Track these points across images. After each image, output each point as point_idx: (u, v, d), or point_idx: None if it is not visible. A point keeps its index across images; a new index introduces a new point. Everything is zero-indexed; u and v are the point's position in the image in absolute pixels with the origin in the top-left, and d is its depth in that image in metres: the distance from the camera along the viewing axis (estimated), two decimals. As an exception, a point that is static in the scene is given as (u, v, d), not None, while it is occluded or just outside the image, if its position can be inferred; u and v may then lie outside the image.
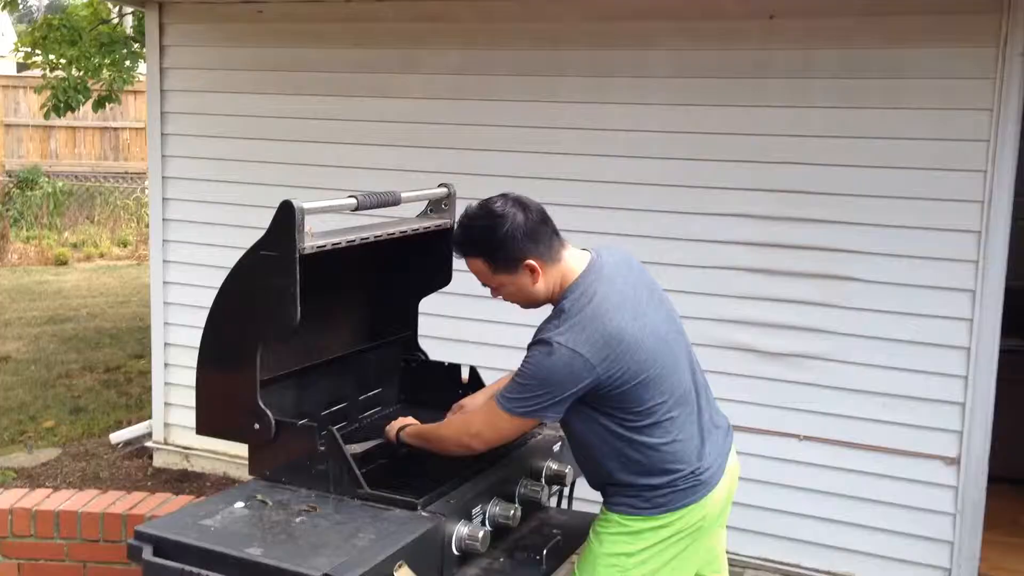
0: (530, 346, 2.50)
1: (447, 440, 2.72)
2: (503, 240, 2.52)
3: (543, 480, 2.97)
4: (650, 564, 2.61)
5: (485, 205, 2.58)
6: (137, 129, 15.66)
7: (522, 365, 2.50)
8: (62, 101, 7.83)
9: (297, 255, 2.48)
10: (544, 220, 2.59)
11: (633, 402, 2.49)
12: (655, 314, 2.60)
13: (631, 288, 2.58)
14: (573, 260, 2.60)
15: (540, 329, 2.52)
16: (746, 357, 4.22)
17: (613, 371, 2.44)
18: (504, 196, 2.59)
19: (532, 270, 2.54)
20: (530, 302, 2.64)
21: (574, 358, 2.42)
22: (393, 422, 2.92)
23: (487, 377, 3.32)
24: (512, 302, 2.68)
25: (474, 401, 2.99)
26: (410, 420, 2.90)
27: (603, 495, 2.71)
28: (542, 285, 2.57)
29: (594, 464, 2.65)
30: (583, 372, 2.42)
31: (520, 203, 2.56)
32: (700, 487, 2.62)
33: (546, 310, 2.62)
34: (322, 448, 2.59)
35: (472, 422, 2.68)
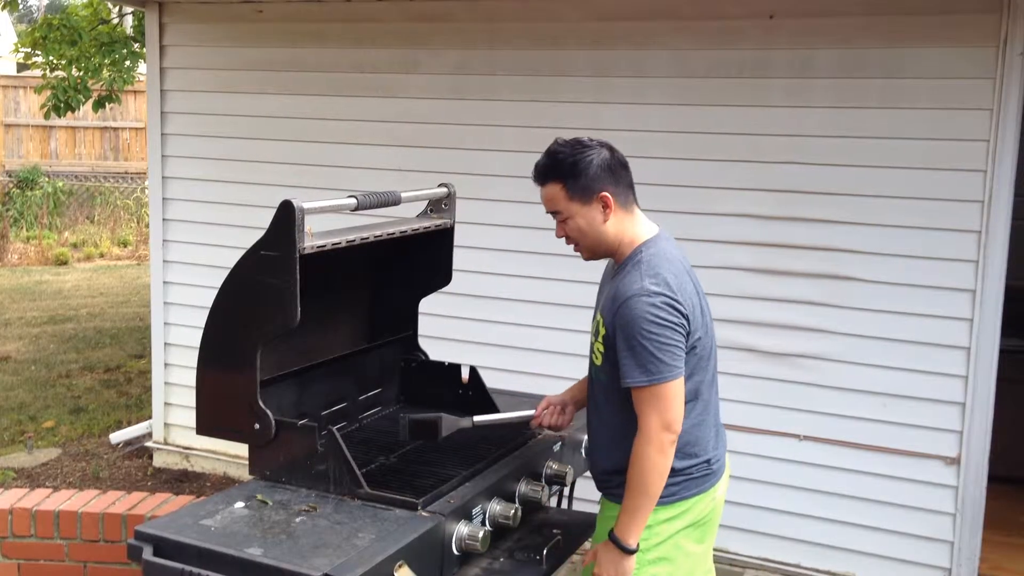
0: (624, 302, 2.47)
1: (652, 471, 2.47)
2: (585, 167, 2.55)
3: (543, 480, 2.97)
4: (668, 560, 2.61)
5: (575, 138, 2.63)
6: (137, 129, 15.66)
7: (633, 327, 2.44)
8: (62, 101, 7.83)
9: (297, 255, 2.48)
10: (626, 168, 2.65)
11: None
12: (703, 296, 2.67)
13: (689, 265, 2.68)
14: (644, 222, 2.66)
15: (624, 285, 2.51)
16: (746, 357, 4.22)
17: (689, 324, 2.50)
18: (595, 139, 2.65)
19: (605, 204, 2.57)
20: (595, 244, 2.62)
21: (671, 302, 2.46)
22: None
23: (487, 377, 3.32)
24: (577, 242, 2.65)
25: (555, 397, 2.96)
26: (620, 525, 2.54)
27: (608, 487, 2.69)
28: (611, 227, 2.59)
29: (617, 442, 2.59)
30: (683, 313, 2.47)
31: (609, 145, 2.64)
32: (710, 476, 2.67)
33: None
34: (322, 448, 2.59)
35: (646, 426, 2.47)
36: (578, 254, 2.71)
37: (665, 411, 2.46)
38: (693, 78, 4.22)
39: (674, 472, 2.55)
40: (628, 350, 2.46)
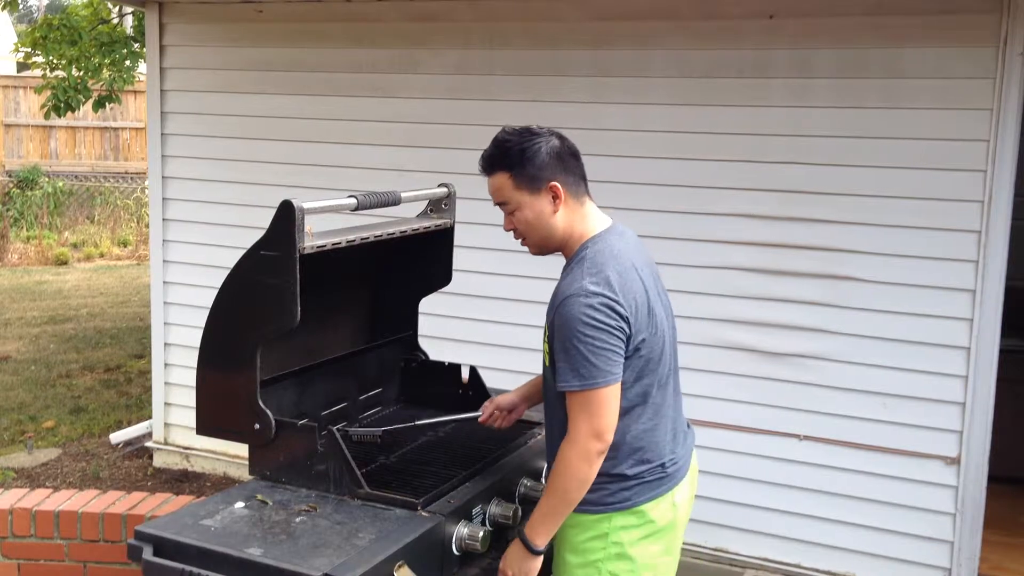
0: (562, 303, 2.38)
1: (572, 478, 2.39)
2: (532, 155, 2.47)
3: (543, 480, 2.97)
4: (630, 572, 2.52)
5: (524, 126, 2.56)
6: (137, 129, 15.68)
7: (568, 329, 2.35)
8: (62, 101, 7.83)
9: (297, 255, 2.48)
10: (577, 157, 2.56)
11: (627, 370, 2.42)
12: (662, 293, 2.60)
13: (645, 260, 2.58)
14: (595, 215, 2.57)
15: (565, 284, 2.43)
16: (746, 357, 4.22)
17: (630, 327, 2.39)
18: (544, 127, 2.58)
19: (555, 195, 2.49)
20: (544, 238, 2.53)
21: (610, 303, 2.35)
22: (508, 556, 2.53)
23: (487, 377, 3.32)
24: (525, 236, 2.56)
25: (505, 398, 2.96)
26: (530, 524, 2.48)
27: None
28: (561, 219, 2.50)
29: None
30: (622, 316, 2.37)
31: (559, 134, 2.56)
32: (666, 480, 2.56)
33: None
34: (322, 448, 2.59)
35: (575, 431, 2.38)
36: (527, 248, 2.60)
37: (595, 417, 2.35)
38: (693, 78, 4.22)
39: (626, 478, 2.49)
40: (563, 352, 2.37)
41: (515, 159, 2.49)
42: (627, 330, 2.38)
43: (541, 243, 2.56)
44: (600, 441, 2.37)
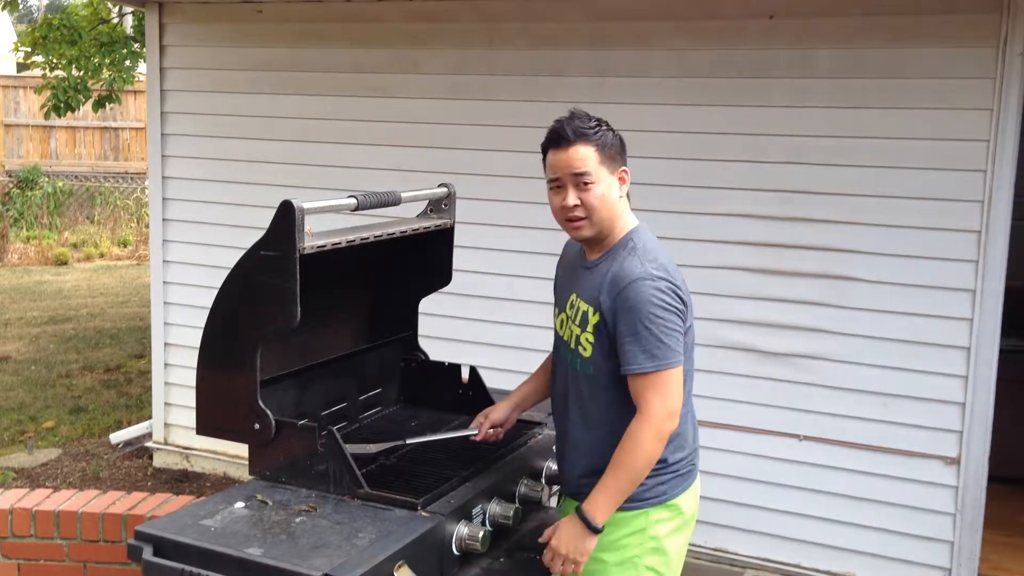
0: (628, 287, 2.41)
1: (645, 456, 2.40)
2: (614, 138, 2.53)
3: (543, 480, 2.97)
4: (665, 565, 2.57)
5: (587, 112, 2.57)
6: (137, 129, 15.67)
7: (638, 312, 2.38)
8: (62, 101, 7.83)
9: (297, 255, 2.47)
10: None
11: None
12: None
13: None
14: (630, 213, 2.62)
15: (623, 270, 2.45)
16: (746, 357, 4.22)
17: (688, 309, 2.49)
18: None
19: (622, 180, 2.55)
20: (607, 219, 2.51)
21: (674, 287, 2.45)
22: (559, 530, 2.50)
23: (487, 377, 3.32)
24: (590, 213, 2.49)
25: (497, 412, 2.90)
26: (592, 501, 2.45)
27: (589, 491, 2.51)
28: (619, 205, 2.53)
29: (608, 441, 2.47)
30: (683, 299, 2.46)
31: None
32: (693, 471, 2.63)
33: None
34: (322, 448, 2.59)
35: (650, 410, 2.39)
36: (578, 228, 2.52)
37: (669, 397, 2.40)
38: (693, 78, 4.22)
39: (666, 467, 2.51)
40: (632, 335, 2.40)
41: (603, 136, 2.51)
42: (685, 314, 2.47)
43: (602, 223, 2.53)
44: (672, 420, 2.41)
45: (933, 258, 3.90)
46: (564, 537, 2.46)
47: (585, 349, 2.53)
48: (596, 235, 2.54)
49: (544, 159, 2.58)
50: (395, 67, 4.80)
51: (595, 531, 2.43)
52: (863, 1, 3.94)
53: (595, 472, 2.49)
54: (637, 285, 2.41)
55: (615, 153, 2.53)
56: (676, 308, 2.43)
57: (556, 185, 2.54)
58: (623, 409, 2.46)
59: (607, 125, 2.54)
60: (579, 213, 2.50)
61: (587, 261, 2.60)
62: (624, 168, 2.56)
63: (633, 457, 2.39)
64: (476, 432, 2.91)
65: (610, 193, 2.51)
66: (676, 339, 2.41)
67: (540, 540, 2.54)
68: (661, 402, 2.39)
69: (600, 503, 2.42)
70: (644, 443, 2.38)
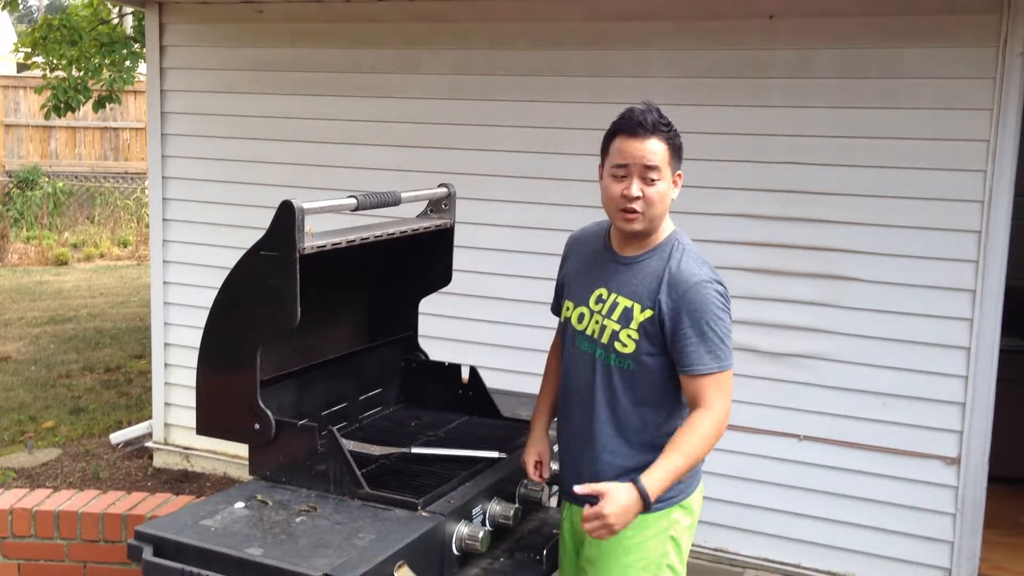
0: (693, 287, 2.45)
1: (707, 446, 2.46)
2: (681, 141, 2.57)
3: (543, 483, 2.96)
4: (682, 564, 2.61)
5: None
6: (137, 129, 15.66)
7: (704, 313, 2.44)
8: (62, 101, 7.83)
9: (297, 255, 2.48)
10: None
11: None
12: None
13: None
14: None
15: (686, 271, 2.49)
16: (746, 357, 4.21)
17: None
18: None
19: (675, 183, 2.58)
20: (660, 215, 2.53)
21: (727, 292, 2.53)
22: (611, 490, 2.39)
23: (487, 377, 3.32)
24: (648, 207, 2.49)
25: (542, 445, 2.79)
26: (654, 479, 2.41)
27: None
28: (670, 204, 2.57)
29: (642, 439, 2.50)
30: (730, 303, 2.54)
31: None
32: (700, 471, 2.65)
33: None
34: (322, 448, 2.59)
35: (715, 406, 2.45)
36: (631, 220, 2.50)
37: (729, 396, 2.49)
38: (693, 78, 4.22)
39: None
40: (699, 336, 2.44)
41: (675, 136, 2.55)
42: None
43: (654, 219, 2.53)
44: (728, 418, 2.49)
45: (933, 258, 3.90)
46: (620, 508, 2.34)
47: (626, 345, 2.51)
48: (645, 230, 2.54)
49: (610, 142, 2.54)
50: (395, 67, 4.80)
51: (648, 506, 2.40)
52: (863, 1, 3.94)
53: (628, 471, 2.47)
54: (703, 287, 2.47)
55: (679, 155, 2.57)
56: (730, 312, 2.52)
57: (621, 173, 2.50)
58: (659, 408, 2.53)
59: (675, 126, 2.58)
60: (638, 206, 2.49)
61: (623, 256, 2.58)
62: (680, 172, 2.58)
63: (696, 446, 2.43)
64: (503, 456, 2.86)
65: (669, 192, 2.54)
66: (731, 341, 2.50)
67: (581, 491, 2.40)
68: (724, 400, 2.47)
69: (659, 482, 2.39)
70: (709, 435, 2.44)
